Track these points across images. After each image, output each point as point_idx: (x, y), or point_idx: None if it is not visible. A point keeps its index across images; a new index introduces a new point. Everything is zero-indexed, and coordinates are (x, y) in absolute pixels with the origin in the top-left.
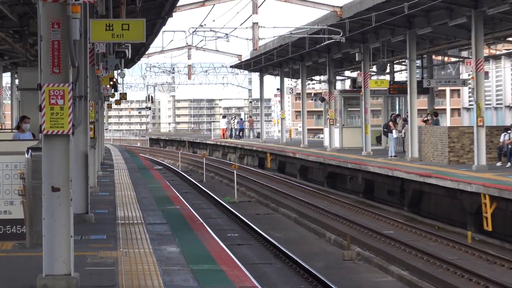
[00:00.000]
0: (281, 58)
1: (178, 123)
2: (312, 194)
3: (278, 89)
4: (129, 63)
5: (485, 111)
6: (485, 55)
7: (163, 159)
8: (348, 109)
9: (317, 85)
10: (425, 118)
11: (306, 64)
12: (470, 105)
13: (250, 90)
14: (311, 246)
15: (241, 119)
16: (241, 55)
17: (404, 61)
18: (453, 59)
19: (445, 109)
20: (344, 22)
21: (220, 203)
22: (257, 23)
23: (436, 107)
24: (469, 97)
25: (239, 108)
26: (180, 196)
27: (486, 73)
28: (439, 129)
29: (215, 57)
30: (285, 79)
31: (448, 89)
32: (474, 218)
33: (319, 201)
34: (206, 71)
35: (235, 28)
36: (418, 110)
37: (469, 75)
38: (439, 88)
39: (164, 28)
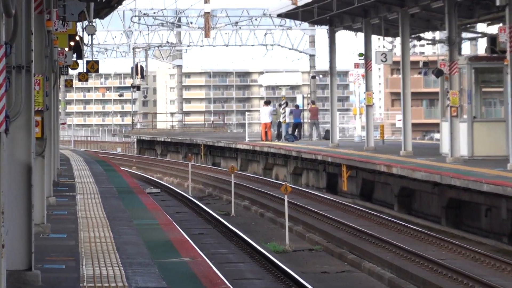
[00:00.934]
0: (367, 1)
1: (188, 113)
2: (419, 238)
3: (361, 54)
4: (104, 10)
5: None
6: None
7: (161, 176)
8: (483, 89)
9: (429, 47)
10: None
11: (409, 10)
12: None
13: (312, 57)
14: None
15: (297, 106)
16: None
17: None
18: None
19: None
20: None
21: (261, 253)
22: None
23: None
24: None
25: (293, 87)
26: (191, 241)
27: None
28: None
29: (252, 0)
30: (374, 38)
31: None
32: None
33: (432, 249)
34: (236, 23)
35: None
36: None
37: None
38: None
39: None
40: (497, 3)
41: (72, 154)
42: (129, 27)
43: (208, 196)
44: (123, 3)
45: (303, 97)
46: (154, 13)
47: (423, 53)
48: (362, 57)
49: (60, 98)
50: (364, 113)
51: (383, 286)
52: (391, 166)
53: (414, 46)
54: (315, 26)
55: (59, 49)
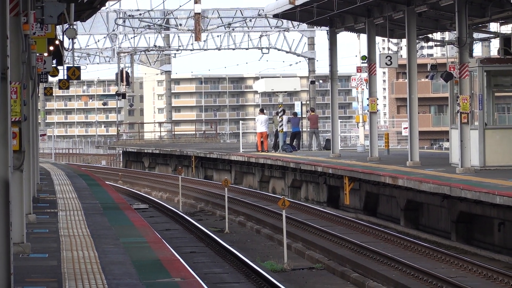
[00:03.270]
0: (370, 0)
1: (177, 122)
2: (427, 254)
3: (364, 57)
4: (85, 12)
5: None
6: None
7: (149, 190)
8: (496, 94)
9: (438, 49)
10: None
11: (416, 9)
12: None
13: (311, 61)
14: None
15: (295, 114)
16: None
17: None
18: None
19: None
20: None
21: (258, 272)
22: None
23: None
24: None
25: (290, 94)
26: (182, 260)
27: None
28: None
29: (245, 0)
30: (378, 40)
31: None
32: None
33: (441, 266)
34: (229, 25)
35: None
36: None
37: None
38: None
39: None
40: None
41: (53, 167)
42: (113, 30)
43: (200, 211)
44: (107, 4)
45: (302, 104)
46: (140, 14)
47: (431, 55)
48: (365, 60)
49: (39, 108)
50: (367, 121)
51: None
52: (397, 177)
53: (422, 48)
54: (315, 27)
55: (37, 54)
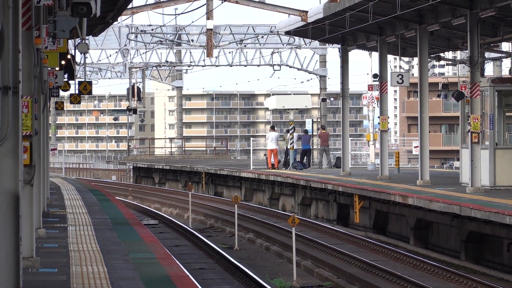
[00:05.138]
0: (383, 18)
1: (188, 138)
2: (437, 274)
3: (375, 75)
4: (98, 27)
5: None
6: None
7: (159, 206)
8: (507, 114)
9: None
10: None
11: (428, 28)
12: None
13: (322, 78)
14: None
15: (306, 132)
16: (306, 12)
17: None
18: None
19: None
20: None
21: None
22: None
23: None
24: None
25: (301, 111)
26: (191, 276)
27: None
28: None
29: (258, 16)
30: (390, 58)
31: None
32: None
33: (450, 286)
34: (241, 41)
35: None
36: None
37: None
38: None
39: None
40: None
41: (63, 182)
42: (125, 45)
43: (209, 228)
44: (119, 19)
45: (313, 122)
46: (152, 30)
47: (442, 74)
48: (377, 79)
49: (50, 122)
50: (378, 139)
51: None
52: (407, 196)
53: (433, 66)
54: (326, 44)
55: (49, 68)
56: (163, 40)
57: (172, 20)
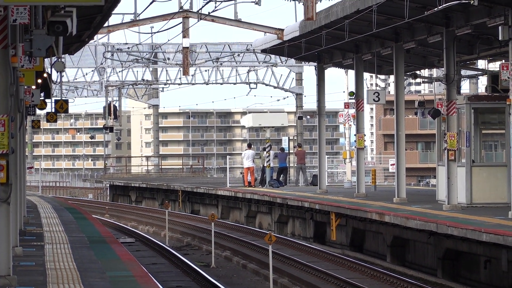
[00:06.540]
0: (359, 36)
1: (164, 157)
2: None
3: (351, 93)
4: (74, 45)
5: None
6: None
7: (136, 224)
8: (483, 131)
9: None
10: None
11: (404, 45)
12: None
13: (299, 96)
14: None
15: (282, 149)
16: (282, 30)
17: None
18: None
19: None
20: None
21: None
22: None
23: None
24: None
25: (278, 129)
26: None
27: None
28: None
29: (234, 34)
30: (366, 76)
31: None
32: None
33: None
34: (217, 59)
35: None
36: None
37: None
38: None
39: None
40: (500, 38)
41: (40, 200)
42: (101, 64)
43: (186, 246)
44: (95, 37)
45: (289, 140)
46: (129, 48)
47: (419, 92)
48: (353, 96)
49: (26, 140)
50: (354, 157)
51: None
52: (384, 214)
53: (410, 84)
54: (303, 62)
55: (25, 87)
56: (139, 58)
57: (148, 38)
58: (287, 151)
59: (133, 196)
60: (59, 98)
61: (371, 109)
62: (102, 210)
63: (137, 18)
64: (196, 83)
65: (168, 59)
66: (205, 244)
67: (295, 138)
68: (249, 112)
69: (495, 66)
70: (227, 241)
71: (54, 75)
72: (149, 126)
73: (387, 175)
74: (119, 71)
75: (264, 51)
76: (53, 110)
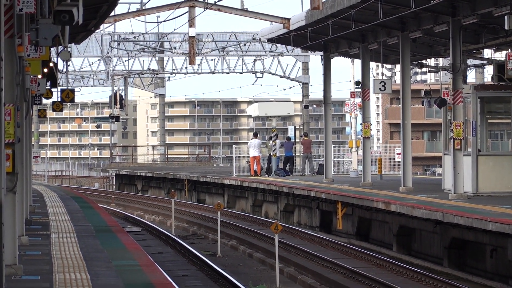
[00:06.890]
0: (365, 25)
1: (170, 146)
2: (419, 280)
3: (358, 82)
4: (80, 34)
5: None
6: None
7: (142, 213)
8: (489, 120)
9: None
10: None
11: (410, 35)
12: None
13: (305, 86)
14: None
15: (289, 139)
16: (288, 20)
17: None
18: None
19: None
20: None
21: None
22: None
23: None
24: None
25: (284, 118)
26: (174, 283)
27: None
28: None
29: (240, 24)
30: (372, 65)
31: None
32: None
33: None
34: (224, 48)
35: None
36: None
37: None
38: None
39: None
40: (506, 27)
41: (46, 190)
42: (108, 53)
43: (192, 235)
44: (101, 26)
45: (295, 129)
46: (135, 37)
47: (425, 81)
48: (359, 86)
49: (32, 130)
50: (360, 146)
51: None
52: (390, 203)
53: (416, 73)
54: (309, 52)
55: (31, 76)
56: (146, 47)
57: (155, 27)
58: (293, 140)
59: (139, 185)
60: (65, 88)
61: (377, 98)
62: (108, 199)
63: (143, 8)
64: (202, 73)
65: (174, 48)
66: (211, 233)
67: (301, 127)
68: (255, 102)
69: (501, 55)
70: (233, 230)
71: (60, 65)
72: (155, 115)
73: (393, 164)
74: (125, 61)
75: (270, 40)
76: (59, 100)
